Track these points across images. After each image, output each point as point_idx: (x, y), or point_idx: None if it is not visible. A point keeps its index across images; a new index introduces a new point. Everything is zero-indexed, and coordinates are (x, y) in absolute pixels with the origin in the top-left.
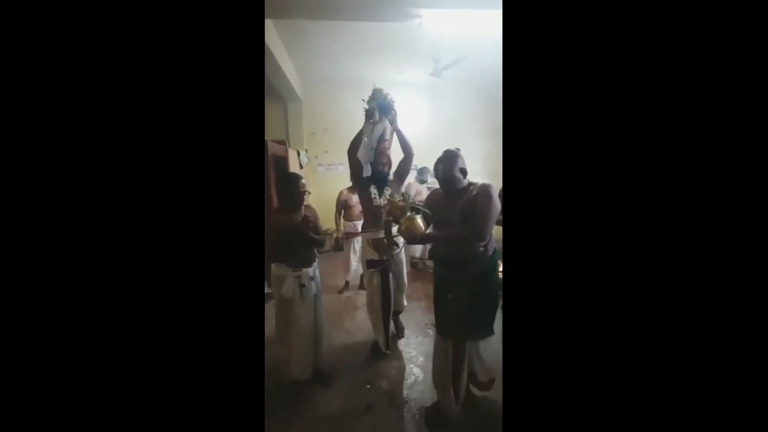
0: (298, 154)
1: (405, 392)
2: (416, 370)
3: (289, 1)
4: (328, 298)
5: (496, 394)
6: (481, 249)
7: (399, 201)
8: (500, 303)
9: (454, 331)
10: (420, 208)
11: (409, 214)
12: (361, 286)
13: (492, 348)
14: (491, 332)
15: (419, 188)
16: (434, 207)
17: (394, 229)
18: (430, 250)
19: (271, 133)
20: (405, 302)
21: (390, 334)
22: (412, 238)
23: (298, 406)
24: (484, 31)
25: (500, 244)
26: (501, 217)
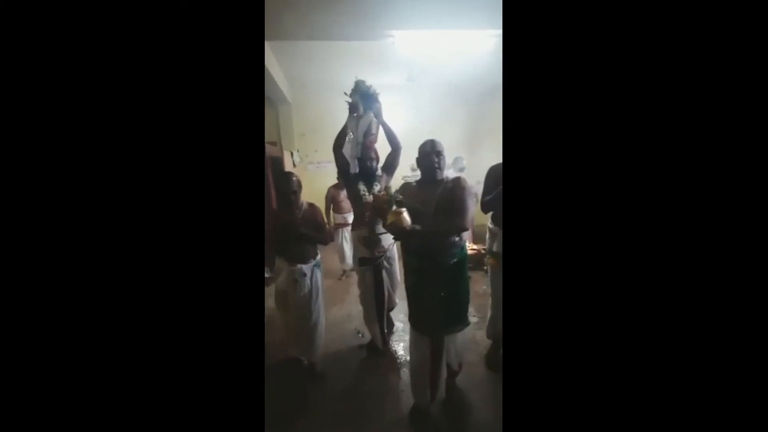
0: (292, 154)
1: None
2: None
3: (283, 25)
4: (328, 282)
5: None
6: (456, 239)
7: (382, 194)
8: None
9: (432, 326)
10: (405, 201)
11: (394, 208)
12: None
13: (465, 337)
14: (467, 323)
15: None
16: (408, 199)
17: (379, 226)
18: (404, 243)
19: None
20: (397, 300)
21: (384, 333)
22: (399, 232)
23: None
24: (447, 47)
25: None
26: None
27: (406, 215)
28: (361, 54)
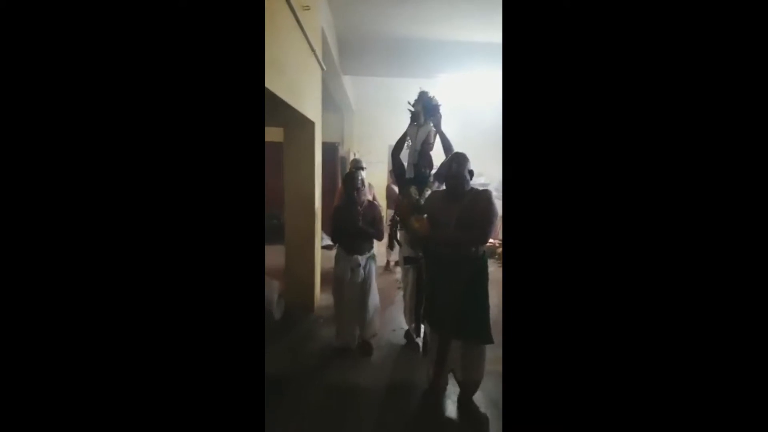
0: (354, 155)
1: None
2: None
3: (358, 64)
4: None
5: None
6: (473, 250)
7: (409, 200)
8: (489, 307)
9: (442, 327)
10: (429, 210)
11: (422, 214)
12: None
13: (478, 354)
14: (487, 339)
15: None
16: (433, 208)
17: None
18: (424, 249)
19: (331, 136)
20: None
21: (419, 326)
22: (421, 237)
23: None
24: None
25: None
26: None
27: (427, 222)
28: (410, 86)
